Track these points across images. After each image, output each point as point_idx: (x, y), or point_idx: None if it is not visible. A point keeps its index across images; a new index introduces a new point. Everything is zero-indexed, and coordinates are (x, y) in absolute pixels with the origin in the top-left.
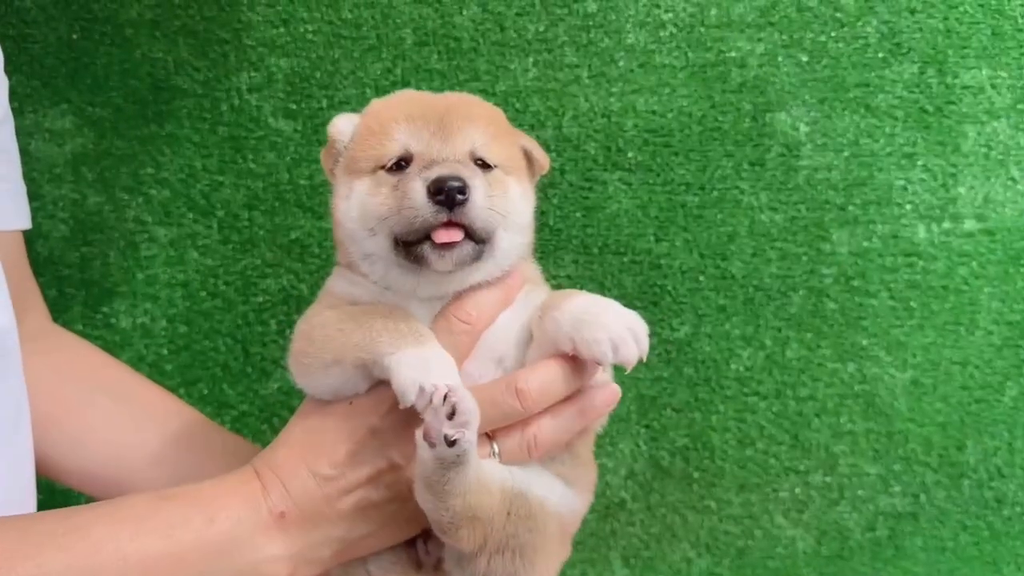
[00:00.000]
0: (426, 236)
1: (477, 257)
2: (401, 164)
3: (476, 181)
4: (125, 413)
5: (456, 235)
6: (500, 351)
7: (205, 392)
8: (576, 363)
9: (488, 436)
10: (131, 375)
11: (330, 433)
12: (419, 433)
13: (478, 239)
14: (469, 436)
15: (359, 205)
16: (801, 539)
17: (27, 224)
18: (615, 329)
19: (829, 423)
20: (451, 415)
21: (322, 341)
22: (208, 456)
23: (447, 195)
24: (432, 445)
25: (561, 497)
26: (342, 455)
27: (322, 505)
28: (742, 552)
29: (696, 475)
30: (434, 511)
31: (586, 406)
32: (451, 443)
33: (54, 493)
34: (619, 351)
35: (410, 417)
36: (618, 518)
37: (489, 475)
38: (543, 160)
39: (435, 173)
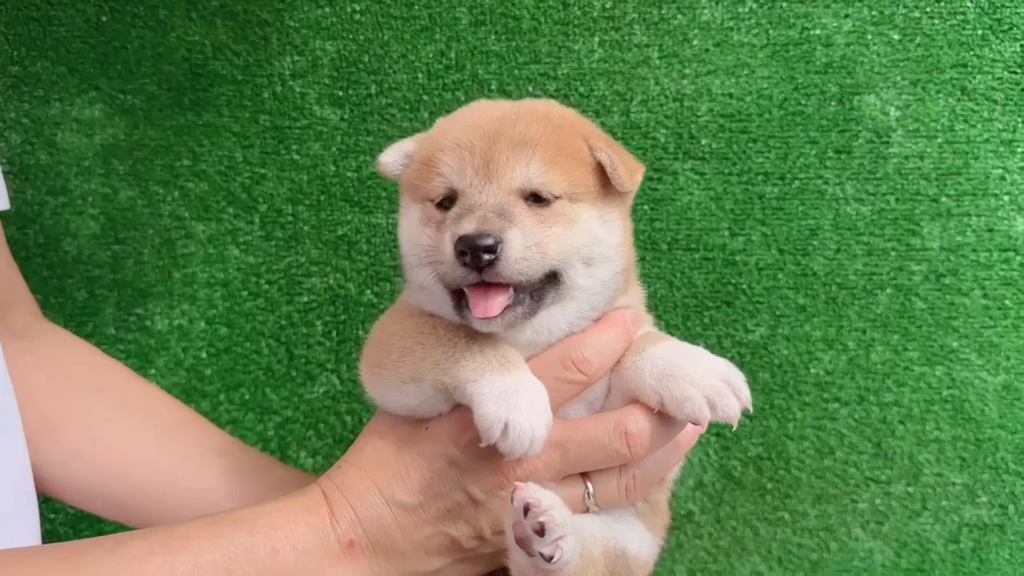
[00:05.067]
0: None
1: (533, 313)
2: (451, 199)
3: (511, 233)
4: (128, 423)
5: (494, 308)
6: (595, 392)
7: (247, 397)
8: None
9: (583, 475)
10: (135, 380)
11: (405, 457)
12: (510, 533)
13: (526, 289)
14: (568, 547)
15: (409, 233)
16: (879, 551)
17: (3, 205)
18: (708, 383)
19: (914, 430)
20: (540, 531)
21: (399, 353)
22: (226, 477)
23: (472, 256)
24: (529, 555)
25: (648, 546)
26: (416, 483)
27: (395, 534)
28: (816, 565)
29: (770, 486)
30: None
31: (680, 438)
32: (549, 559)
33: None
34: (716, 408)
35: (494, 452)
36: (685, 531)
37: (591, 542)
38: (622, 177)
39: (463, 229)
